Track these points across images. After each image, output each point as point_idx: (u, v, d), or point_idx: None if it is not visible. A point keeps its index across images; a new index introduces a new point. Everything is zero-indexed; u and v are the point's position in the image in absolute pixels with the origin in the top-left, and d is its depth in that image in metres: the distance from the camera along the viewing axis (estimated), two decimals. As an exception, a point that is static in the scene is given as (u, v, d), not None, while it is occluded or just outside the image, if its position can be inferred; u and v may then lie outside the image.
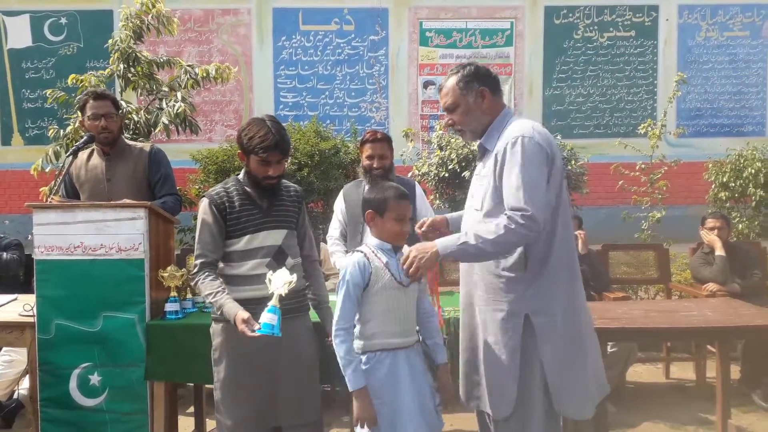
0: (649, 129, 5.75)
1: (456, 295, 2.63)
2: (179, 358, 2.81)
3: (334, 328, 2.20)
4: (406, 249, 2.24)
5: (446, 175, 5.04)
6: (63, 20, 8.72)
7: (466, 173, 4.78)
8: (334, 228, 3.48)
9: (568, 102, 8.98)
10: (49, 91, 5.21)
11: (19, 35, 8.74)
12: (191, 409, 3.57)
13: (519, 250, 2.18)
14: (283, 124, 2.49)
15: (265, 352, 2.37)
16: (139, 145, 3.43)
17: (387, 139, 3.35)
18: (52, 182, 3.13)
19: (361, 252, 2.26)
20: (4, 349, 3.61)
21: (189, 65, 5.19)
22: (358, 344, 2.23)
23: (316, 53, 8.85)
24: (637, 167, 5.76)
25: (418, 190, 3.48)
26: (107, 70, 5.10)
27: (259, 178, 2.41)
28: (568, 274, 2.25)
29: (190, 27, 8.70)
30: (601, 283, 4.29)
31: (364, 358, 2.21)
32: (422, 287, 2.36)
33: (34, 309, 2.85)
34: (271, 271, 2.23)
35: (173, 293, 2.90)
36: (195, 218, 5.32)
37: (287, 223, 2.50)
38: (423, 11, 8.89)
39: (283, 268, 2.26)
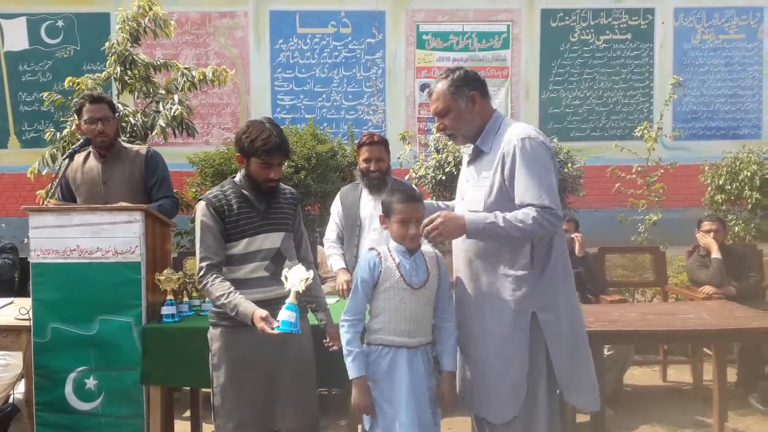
0: (646, 132, 5.77)
1: None
2: (176, 361, 2.80)
3: (341, 318, 2.30)
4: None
5: (443, 177, 5.05)
6: (60, 23, 8.71)
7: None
8: (331, 231, 3.48)
9: (565, 105, 9.00)
10: (45, 94, 5.21)
11: (16, 38, 8.72)
12: (188, 413, 3.56)
13: (528, 248, 2.23)
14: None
15: (263, 355, 2.37)
16: (135, 147, 3.42)
17: (384, 142, 3.35)
18: (49, 185, 3.12)
19: (376, 251, 2.35)
20: (0, 353, 3.59)
21: (186, 68, 5.19)
22: (367, 336, 2.33)
23: (313, 56, 8.86)
24: (634, 170, 5.77)
25: None
26: (104, 73, 5.09)
27: (259, 180, 2.40)
28: (565, 273, 2.33)
29: (187, 30, 8.69)
30: (597, 286, 4.29)
31: (368, 349, 2.30)
32: (442, 294, 2.36)
33: (30, 312, 2.84)
34: (287, 268, 2.23)
35: (169, 296, 2.88)
36: (192, 221, 5.39)
37: (285, 226, 2.49)
38: (420, 14, 8.90)
39: (299, 264, 2.26)
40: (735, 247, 4.76)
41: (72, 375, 2.82)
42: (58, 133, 4.98)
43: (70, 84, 5.03)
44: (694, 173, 6.60)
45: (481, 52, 8.92)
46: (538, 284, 2.24)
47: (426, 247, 2.46)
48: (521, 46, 8.94)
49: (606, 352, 3.64)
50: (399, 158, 5.63)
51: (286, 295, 2.34)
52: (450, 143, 5.09)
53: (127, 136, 4.83)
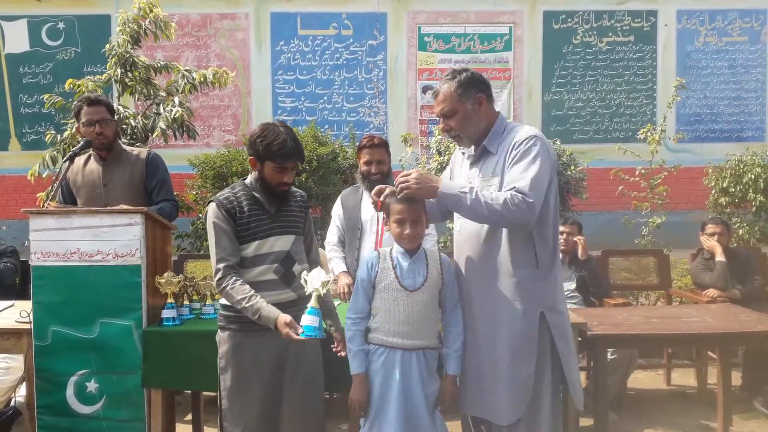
0: (649, 134, 5.74)
1: None
2: (176, 364, 2.78)
3: (346, 316, 2.34)
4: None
5: (445, 180, 5.04)
6: (60, 25, 8.71)
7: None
8: (332, 234, 3.46)
9: (568, 107, 8.98)
10: (46, 96, 5.20)
11: (17, 40, 8.73)
12: (189, 417, 3.54)
13: (532, 248, 2.25)
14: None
15: (271, 359, 2.36)
16: (135, 150, 3.41)
17: (384, 145, 3.33)
18: (49, 188, 3.11)
19: (378, 251, 2.39)
20: (1, 356, 3.58)
21: (186, 70, 5.18)
22: (367, 335, 2.35)
23: (315, 58, 8.85)
24: (637, 172, 5.75)
25: None
26: (104, 75, 5.09)
27: (272, 184, 2.40)
28: (560, 272, 2.41)
29: (187, 31, 8.69)
30: (601, 289, 4.27)
31: (367, 347, 2.32)
32: (448, 297, 2.35)
33: (31, 315, 2.82)
34: (306, 272, 2.23)
35: (170, 299, 2.87)
36: (193, 224, 5.39)
37: (295, 229, 2.48)
38: (422, 16, 8.89)
39: (318, 267, 2.25)
40: (739, 250, 4.73)
41: (73, 378, 2.81)
42: (59, 136, 4.97)
43: (71, 86, 5.02)
44: (697, 176, 6.57)
45: (483, 54, 8.91)
46: (545, 284, 2.27)
47: (431, 249, 2.43)
48: (523, 48, 8.93)
49: (609, 356, 3.62)
50: (401, 160, 5.61)
51: (296, 299, 2.35)
52: (452, 145, 5.07)
53: (128, 138, 4.82)
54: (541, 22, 8.92)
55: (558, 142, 5.40)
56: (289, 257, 2.42)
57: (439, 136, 5.30)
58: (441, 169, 5.09)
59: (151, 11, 4.99)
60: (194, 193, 5.57)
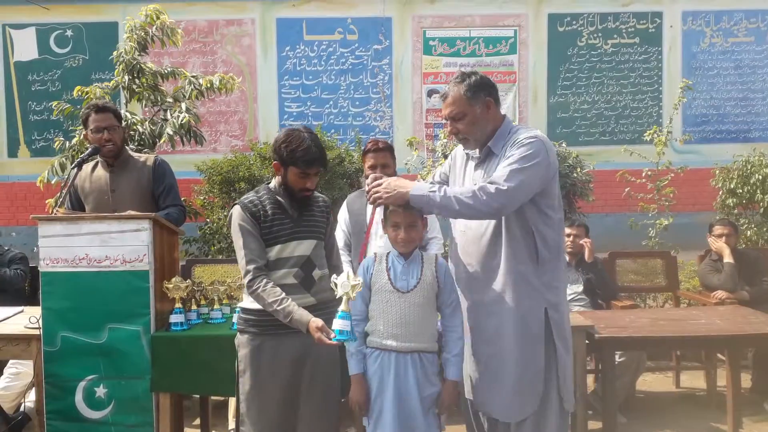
0: (655, 136, 5.72)
1: None
2: (185, 369, 2.80)
3: None
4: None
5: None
6: (68, 33, 8.78)
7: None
8: (338, 238, 3.46)
9: (573, 109, 8.96)
10: (54, 104, 5.24)
11: (26, 48, 8.80)
12: (197, 421, 3.56)
13: (533, 245, 2.26)
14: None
15: (290, 362, 2.38)
16: (143, 156, 3.44)
17: (389, 148, 3.34)
18: (58, 194, 3.13)
19: (375, 254, 2.42)
20: (11, 361, 3.61)
21: (193, 76, 5.20)
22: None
23: (320, 63, 8.88)
24: (644, 174, 5.73)
25: None
26: (112, 82, 5.12)
27: (295, 189, 2.41)
28: (564, 277, 2.47)
29: (194, 38, 8.74)
30: (608, 292, 4.26)
31: (365, 350, 2.35)
32: (445, 301, 2.35)
33: (40, 321, 2.85)
34: (335, 275, 2.23)
35: (178, 304, 2.89)
36: (201, 229, 5.41)
37: (317, 234, 2.49)
38: (426, 20, 8.91)
39: (345, 271, 2.25)
40: (748, 251, 4.71)
41: (82, 383, 2.83)
42: (68, 142, 5.01)
43: (79, 93, 5.05)
44: (704, 177, 6.53)
45: (489, 57, 8.91)
46: (547, 281, 2.30)
47: (436, 253, 2.44)
48: (528, 51, 8.92)
49: (617, 359, 3.61)
50: (406, 164, 5.62)
51: (315, 304, 2.37)
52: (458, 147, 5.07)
53: (135, 144, 4.85)
54: (546, 25, 8.91)
55: (564, 145, 5.38)
56: (309, 262, 2.43)
57: (445, 140, 5.30)
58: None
59: (158, 18, 5.01)
60: (202, 198, 5.59)
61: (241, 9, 8.82)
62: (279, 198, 2.44)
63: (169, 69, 5.22)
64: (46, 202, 4.97)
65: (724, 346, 3.46)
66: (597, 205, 5.87)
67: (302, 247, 2.43)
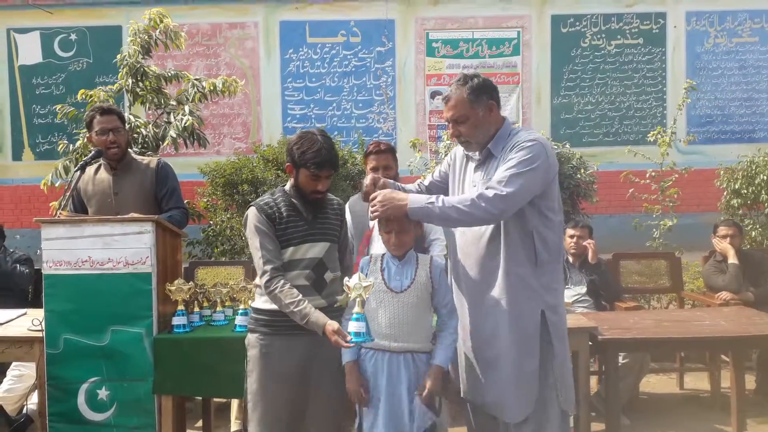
0: (659, 136, 5.71)
1: None
2: (187, 371, 2.80)
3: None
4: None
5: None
6: (73, 36, 8.82)
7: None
8: (341, 240, 3.47)
9: (577, 110, 8.95)
10: (59, 107, 5.26)
11: (30, 52, 8.84)
12: (200, 423, 3.56)
13: (531, 247, 2.26)
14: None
15: (299, 363, 2.38)
16: (146, 159, 3.45)
17: (391, 150, 3.33)
18: (61, 197, 3.15)
19: (371, 255, 2.46)
20: (14, 363, 3.62)
21: (197, 79, 5.22)
22: None
23: (323, 65, 8.89)
24: (648, 175, 5.71)
25: None
26: (116, 85, 5.14)
27: (307, 191, 2.42)
28: (562, 273, 2.47)
29: (197, 41, 8.76)
30: (612, 293, 4.24)
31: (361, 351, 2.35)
32: (440, 301, 2.35)
33: (43, 323, 2.85)
34: (347, 278, 2.24)
35: (180, 307, 2.89)
36: (204, 231, 5.41)
37: (330, 236, 2.50)
38: (429, 22, 8.91)
39: (358, 273, 2.26)
40: (752, 252, 4.69)
41: (84, 386, 2.83)
42: (71, 145, 5.03)
43: (83, 96, 5.07)
44: (709, 177, 6.50)
45: (492, 58, 8.90)
46: (545, 283, 2.30)
47: (438, 255, 2.43)
48: (532, 53, 8.91)
49: (621, 360, 3.59)
50: (409, 165, 5.62)
51: (326, 306, 2.38)
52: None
53: (139, 147, 4.87)
54: (549, 26, 8.90)
55: (567, 146, 5.37)
56: (321, 264, 2.44)
57: (448, 141, 5.29)
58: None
59: (162, 21, 5.04)
60: (205, 200, 5.60)
61: (244, 12, 8.84)
62: (293, 200, 2.46)
63: (172, 72, 5.23)
64: (50, 204, 4.98)
65: (728, 347, 3.44)
66: (601, 206, 5.86)
67: (315, 250, 2.44)
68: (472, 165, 2.44)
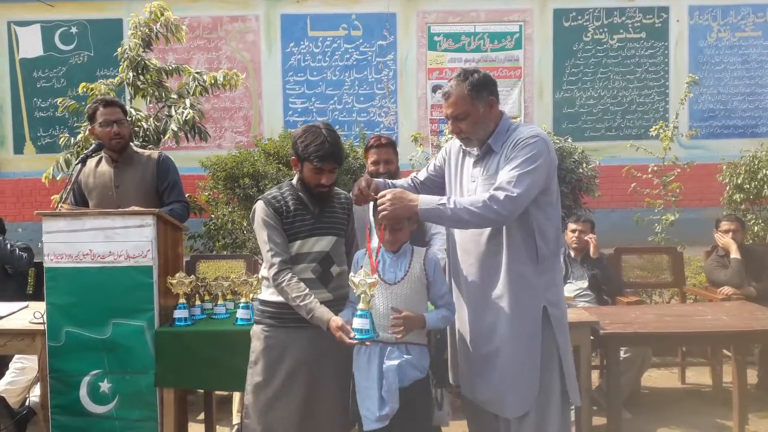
0: (661, 131, 5.69)
1: None
2: (189, 364, 2.80)
3: None
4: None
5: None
6: (73, 29, 8.81)
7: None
8: (343, 234, 3.46)
9: (579, 105, 8.93)
10: (60, 100, 5.25)
11: (31, 45, 8.84)
12: (201, 416, 3.56)
13: (532, 243, 2.26)
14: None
15: (303, 357, 2.38)
16: (147, 152, 3.44)
17: (392, 144, 3.33)
18: (62, 190, 3.14)
19: (367, 247, 2.43)
20: (16, 356, 3.62)
21: (197, 72, 5.21)
22: None
23: (325, 59, 8.87)
24: (650, 170, 5.69)
25: None
26: (117, 78, 5.13)
27: (311, 185, 2.42)
28: (561, 273, 2.51)
29: (198, 34, 8.75)
30: (613, 288, 4.24)
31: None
32: (436, 293, 2.36)
33: (45, 316, 2.85)
34: (352, 273, 2.25)
35: (182, 300, 2.89)
36: (205, 225, 5.41)
37: (337, 230, 2.50)
38: (431, 16, 8.88)
39: (362, 269, 2.26)
40: (754, 247, 4.68)
41: (86, 378, 2.83)
42: (72, 139, 5.02)
43: (84, 90, 5.07)
44: (711, 172, 6.49)
45: (494, 52, 8.88)
46: (547, 279, 2.30)
47: (432, 248, 2.42)
48: (534, 47, 8.89)
49: (622, 355, 3.59)
50: (411, 160, 5.61)
51: (332, 299, 2.38)
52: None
53: (140, 140, 4.86)
54: (552, 20, 8.88)
55: (569, 140, 5.36)
56: (328, 258, 2.44)
57: (450, 136, 5.28)
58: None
59: (162, 15, 5.02)
60: (206, 194, 5.60)
61: (245, 5, 8.82)
62: (300, 194, 2.46)
63: (173, 65, 5.22)
64: (52, 198, 4.99)
65: (730, 342, 3.43)
66: (603, 200, 5.84)
67: (322, 243, 2.43)
68: (469, 160, 2.42)
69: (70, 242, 2.81)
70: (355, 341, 2.16)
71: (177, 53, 8.24)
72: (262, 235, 2.41)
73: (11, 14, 8.82)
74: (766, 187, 5.60)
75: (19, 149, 8.92)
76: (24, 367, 3.64)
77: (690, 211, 6.45)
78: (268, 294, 2.46)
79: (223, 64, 8.57)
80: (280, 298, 2.38)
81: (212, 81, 5.13)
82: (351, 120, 8.81)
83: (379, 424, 2.24)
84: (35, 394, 3.53)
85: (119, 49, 5.09)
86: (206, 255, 4.92)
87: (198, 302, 3.04)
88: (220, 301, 3.07)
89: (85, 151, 3.29)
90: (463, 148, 2.45)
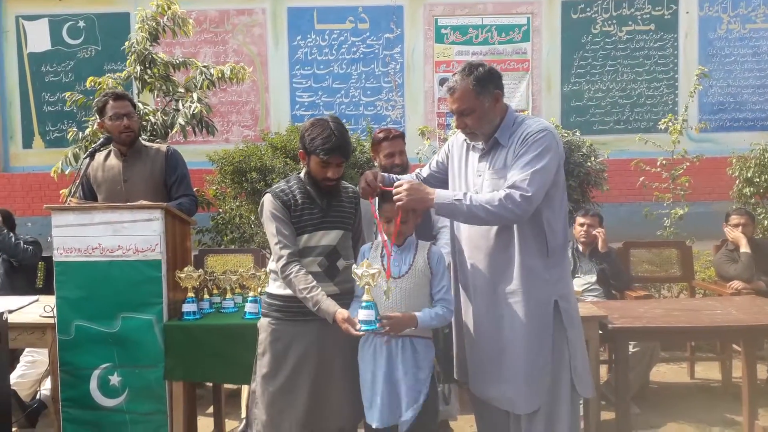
0: (671, 124, 5.65)
1: None
2: (197, 358, 2.82)
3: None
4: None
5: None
6: (81, 23, 8.82)
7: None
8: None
9: (587, 98, 8.87)
10: (68, 94, 5.26)
11: (39, 39, 8.86)
12: (210, 410, 3.58)
13: (543, 237, 2.26)
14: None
15: (311, 348, 2.39)
16: (155, 146, 3.45)
17: (402, 136, 3.31)
18: (71, 184, 3.15)
19: (372, 242, 2.48)
20: (27, 349, 3.65)
21: (205, 66, 5.20)
22: None
23: (332, 52, 8.85)
24: (659, 163, 5.66)
25: None
26: (124, 72, 5.13)
27: (318, 179, 2.42)
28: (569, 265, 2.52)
29: (205, 28, 8.75)
30: (622, 282, 4.22)
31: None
32: (437, 285, 2.36)
33: (55, 310, 2.87)
34: (355, 266, 2.25)
35: (190, 294, 2.90)
36: (213, 219, 5.42)
37: (344, 224, 2.50)
38: (438, 8, 8.84)
39: (365, 260, 2.26)
40: (764, 241, 4.65)
41: (96, 372, 2.85)
42: (81, 133, 5.03)
43: (92, 84, 5.08)
44: (721, 166, 6.44)
45: (501, 45, 8.83)
46: (557, 273, 2.29)
47: (439, 242, 2.42)
48: (542, 39, 8.83)
49: (631, 349, 3.58)
50: (418, 153, 5.60)
51: (338, 293, 2.38)
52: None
53: (148, 134, 4.86)
54: (560, 12, 8.81)
55: (578, 134, 5.33)
56: (335, 252, 2.44)
57: (456, 129, 5.26)
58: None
59: (169, 8, 5.01)
60: (214, 188, 5.61)
61: (252, -2, 8.80)
62: (308, 188, 2.46)
63: (180, 59, 5.22)
64: (60, 192, 5.01)
65: (739, 336, 3.41)
66: (611, 194, 5.82)
67: (329, 237, 2.44)
68: (474, 154, 2.41)
69: (79, 236, 2.83)
70: (361, 333, 2.17)
71: (184, 47, 8.24)
72: (270, 228, 2.41)
73: (19, 8, 8.84)
74: (776, 180, 5.55)
75: (27, 144, 8.96)
76: (34, 360, 3.67)
77: (699, 205, 6.41)
78: (275, 287, 2.46)
79: (230, 57, 8.57)
80: (287, 292, 2.39)
81: (219, 75, 5.13)
82: (358, 113, 8.80)
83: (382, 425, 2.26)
84: (46, 388, 3.56)
85: (126, 43, 5.10)
86: (214, 249, 4.94)
87: (206, 296, 3.05)
88: (228, 295, 3.08)
89: (93, 145, 3.30)
90: (467, 142, 2.44)
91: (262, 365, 2.44)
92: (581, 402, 2.57)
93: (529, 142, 2.21)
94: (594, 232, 4.22)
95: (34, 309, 3.18)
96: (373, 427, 2.29)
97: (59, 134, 8.72)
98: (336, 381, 2.42)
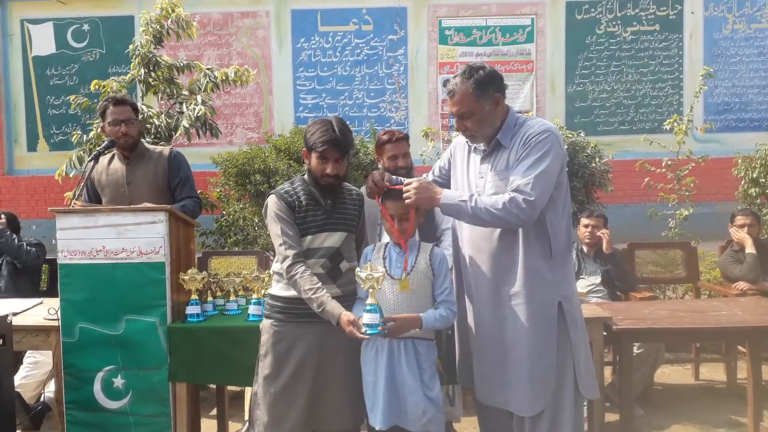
0: (675, 125, 5.63)
1: None
2: (201, 360, 2.82)
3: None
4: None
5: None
6: (85, 27, 8.86)
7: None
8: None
9: (592, 98, 8.85)
10: (72, 97, 5.28)
11: (43, 43, 8.90)
12: (214, 412, 3.59)
13: (546, 239, 2.26)
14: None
15: (312, 350, 2.39)
16: (158, 148, 3.46)
17: (406, 138, 3.31)
18: (76, 187, 3.17)
19: (375, 244, 2.51)
20: (29, 351, 3.66)
21: (209, 69, 5.21)
22: None
23: (335, 54, 8.86)
24: (664, 164, 5.64)
25: None
26: (128, 75, 5.15)
27: (318, 176, 2.43)
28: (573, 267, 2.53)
29: (209, 30, 8.77)
30: (627, 283, 4.21)
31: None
32: (438, 286, 2.35)
33: (59, 313, 2.88)
34: (358, 268, 2.25)
35: (194, 296, 2.90)
36: (217, 221, 5.43)
37: (347, 226, 2.50)
38: (442, 9, 8.84)
39: (369, 263, 2.27)
40: (770, 241, 4.62)
41: (100, 374, 2.86)
42: (85, 136, 5.05)
43: (96, 87, 5.10)
44: (726, 166, 6.41)
45: (505, 46, 8.82)
46: (561, 274, 2.29)
47: (443, 243, 2.42)
48: (546, 40, 8.81)
49: (636, 350, 3.57)
50: (422, 155, 5.59)
51: (341, 295, 2.38)
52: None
53: (152, 137, 4.88)
54: (564, 13, 8.80)
55: (582, 134, 5.31)
56: (338, 254, 2.44)
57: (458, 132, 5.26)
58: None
59: (173, 11, 5.03)
60: (218, 190, 5.62)
61: (256, 1, 8.83)
62: (312, 188, 2.47)
63: (184, 62, 5.23)
64: (65, 195, 5.03)
65: (744, 337, 3.40)
66: (616, 195, 5.80)
67: (332, 239, 2.44)
68: (476, 156, 2.40)
69: (83, 239, 2.84)
70: (366, 336, 2.17)
71: (188, 50, 8.26)
72: (274, 229, 2.42)
73: (24, 12, 8.89)
74: (782, 181, 5.53)
75: (32, 147, 9.00)
76: (37, 361, 3.68)
77: (704, 206, 6.38)
78: (279, 289, 2.47)
79: (233, 60, 8.58)
80: (290, 293, 2.39)
81: (223, 77, 5.14)
82: (362, 115, 8.80)
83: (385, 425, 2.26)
84: (50, 390, 3.57)
85: (131, 46, 5.11)
86: (218, 251, 4.94)
87: (210, 298, 3.06)
88: (231, 298, 3.09)
89: (97, 148, 3.31)
90: (469, 144, 2.43)
91: (264, 366, 2.45)
92: (585, 404, 2.55)
93: (531, 143, 2.20)
94: (599, 233, 4.21)
95: (38, 311, 3.19)
96: (376, 429, 2.28)
97: (64, 137, 8.75)
98: (338, 382, 2.41)
